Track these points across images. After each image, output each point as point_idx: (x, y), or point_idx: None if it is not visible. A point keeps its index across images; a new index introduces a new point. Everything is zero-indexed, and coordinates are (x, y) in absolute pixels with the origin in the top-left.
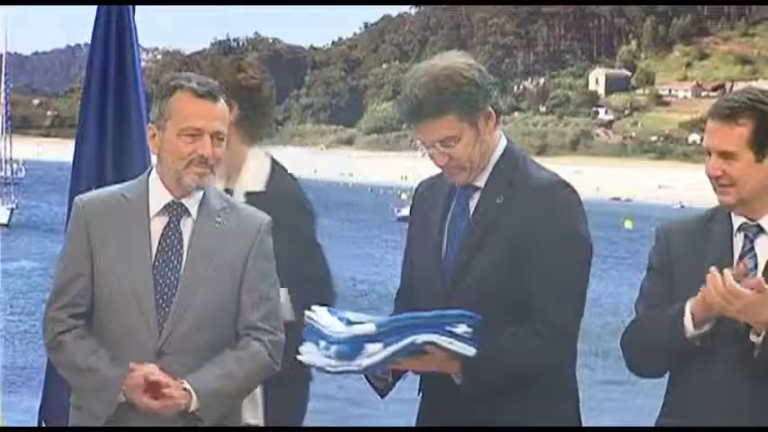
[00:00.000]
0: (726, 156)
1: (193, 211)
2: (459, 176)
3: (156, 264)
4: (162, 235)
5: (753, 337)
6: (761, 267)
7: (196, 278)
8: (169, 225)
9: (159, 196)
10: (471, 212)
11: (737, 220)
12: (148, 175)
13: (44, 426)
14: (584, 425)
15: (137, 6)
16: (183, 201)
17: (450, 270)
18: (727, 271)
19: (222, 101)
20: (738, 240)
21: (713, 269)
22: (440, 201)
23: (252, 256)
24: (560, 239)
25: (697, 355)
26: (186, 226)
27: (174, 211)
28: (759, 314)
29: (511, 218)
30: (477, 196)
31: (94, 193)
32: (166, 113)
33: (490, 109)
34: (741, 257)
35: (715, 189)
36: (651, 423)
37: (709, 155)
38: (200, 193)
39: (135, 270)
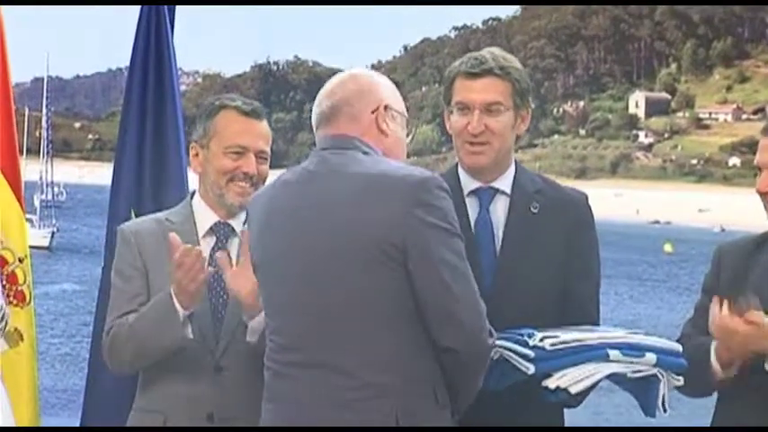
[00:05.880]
0: None
1: (239, 231)
2: (482, 156)
3: (209, 282)
4: (210, 255)
5: (767, 366)
6: None
7: None
8: (216, 245)
9: (205, 218)
10: (504, 218)
11: None
12: (191, 199)
13: None
14: None
15: (177, 31)
16: (229, 221)
17: (491, 276)
18: (722, 307)
19: (265, 121)
20: None
21: (714, 300)
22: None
23: None
24: (595, 248)
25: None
26: (233, 246)
27: (221, 231)
28: (760, 346)
29: (551, 226)
30: (502, 200)
31: (138, 220)
32: (211, 132)
33: (527, 112)
34: None
35: (766, 207)
36: None
37: (760, 171)
38: (243, 214)
39: None
